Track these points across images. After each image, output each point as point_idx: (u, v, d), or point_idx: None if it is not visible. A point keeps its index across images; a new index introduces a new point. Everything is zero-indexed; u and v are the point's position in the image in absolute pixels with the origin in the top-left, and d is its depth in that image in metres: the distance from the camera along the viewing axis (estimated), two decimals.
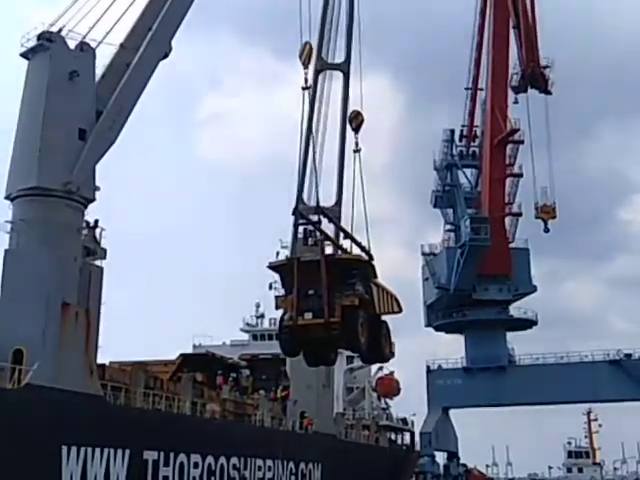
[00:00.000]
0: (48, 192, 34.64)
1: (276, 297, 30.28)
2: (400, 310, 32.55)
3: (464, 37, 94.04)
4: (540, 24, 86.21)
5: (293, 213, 29.63)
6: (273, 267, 30.26)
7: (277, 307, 30.28)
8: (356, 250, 31.65)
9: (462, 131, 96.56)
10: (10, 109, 36.68)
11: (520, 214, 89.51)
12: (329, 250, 30.79)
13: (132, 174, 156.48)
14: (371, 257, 31.38)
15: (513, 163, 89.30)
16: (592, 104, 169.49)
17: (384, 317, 32.31)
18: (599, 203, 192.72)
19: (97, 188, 36.74)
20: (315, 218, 30.31)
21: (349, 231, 31.92)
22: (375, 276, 31.05)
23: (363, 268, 30.00)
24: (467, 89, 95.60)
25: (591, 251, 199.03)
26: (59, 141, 35.08)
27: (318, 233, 30.26)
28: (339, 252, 30.75)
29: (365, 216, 32.09)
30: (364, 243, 31.70)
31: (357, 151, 33.13)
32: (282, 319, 29.93)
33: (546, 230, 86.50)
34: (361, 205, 31.88)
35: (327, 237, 30.21)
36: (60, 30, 36.42)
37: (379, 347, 31.81)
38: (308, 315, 28.46)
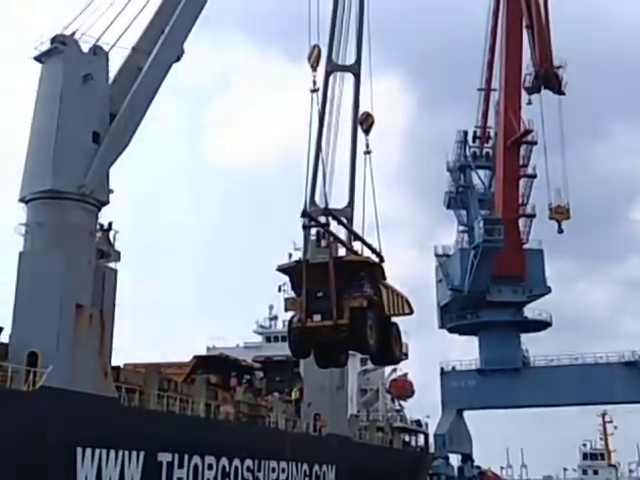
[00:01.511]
0: (62, 195, 34.76)
1: (285, 299, 30.38)
2: (411, 312, 32.52)
3: (477, 37, 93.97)
4: (553, 24, 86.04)
5: (302, 215, 29.67)
6: (282, 269, 30.34)
7: (286, 309, 30.41)
8: (367, 252, 31.65)
9: (475, 132, 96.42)
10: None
11: (534, 215, 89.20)
12: (342, 252, 30.85)
13: (142, 175, 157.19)
14: (382, 259, 31.36)
15: (527, 164, 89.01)
16: (605, 104, 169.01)
17: (395, 319, 32.32)
18: (613, 203, 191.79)
19: (111, 191, 36.89)
20: (324, 220, 30.35)
21: (360, 233, 31.95)
22: (384, 278, 31.03)
23: (371, 270, 29.99)
24: (480, 90, 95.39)
25: (605, 252, 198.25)
26: (73, 144, 35.20)
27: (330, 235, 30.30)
28: (349, 254, 30.80)
29: (376, 218, 32.11)
30: (377, 244, 31.68)
31: (368, 153, 33.16)
32: (291, 321, 30.04)
33: (560, 231, 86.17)
34: (372, 207, 31.88)
35: (336, 239, 30.25)
36: (73, 33, 36.56)
37: (389, 349, 31.79)
38: (317, 317, 28.53)
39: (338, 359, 33.10)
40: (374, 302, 29.36)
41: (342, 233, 31.89)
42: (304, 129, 31.66)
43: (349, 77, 34.22)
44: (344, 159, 33.26)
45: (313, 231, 30.75)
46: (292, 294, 29.94)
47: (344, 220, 31.80)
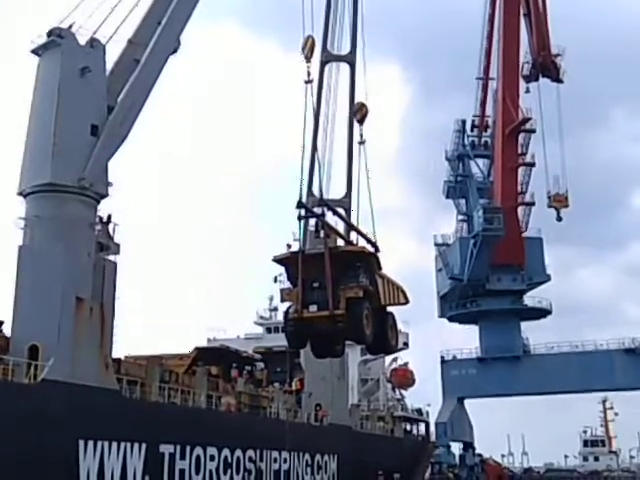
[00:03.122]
0: (62, 188, 34.79)
1: (281, 290, 30.45)
2: (406, 301, 32.63)
3: (474, 26, 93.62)
4: (551, 12, 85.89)
5: (297, 206, 29.66)
6: (278, 260, 30.37)
7: (283, 300, 30.54)
8: (363, 242, 31.71)
9: (474, 121, 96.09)
10: None
11: (533, 203, 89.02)
12: (341, 243, 30.90)
13: (143, 167, 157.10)
14: (377, 249, 31.40)
15: (525, 152, 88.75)
16: (604, 91, 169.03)
17: (392, 308, 32.40)
18: (612, 190, 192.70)
19: (110, 184, 36.89)
20: (319, 211, 30.38)
21: (356, 222, 32.00)
22: (380, 268, 31.09)
23: (367, 260, 30.04)
24: (478, 79, 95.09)
25: (605, 239, 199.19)
26: (72, 138, 35.19)
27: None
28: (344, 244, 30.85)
29: (371, 208, 32.21)
30: (376, 234, 31.73)
31: (362, 143, 33.16)
32: (287, 312, 30.13)
33: (559, 219, 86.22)
34: (371, 197, 31.96)
35: (331, 229, 30.29)
36: (70, 26, 36.50)
37: (385, 338, 31.93)
38: (313, 307, 28.63)
39: (334, 349, 33.23)
40: (370, 292, 29.44)
41: (341, 224, 31.97)
42: (300, 120, 31.66)
43: (344, 67, 34.19)
44: (340, 150, 33.28)
45: (312, 222, 30.81)
46: (288, 285, 30.01)
47: (341, 210, 31.89)
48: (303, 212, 29.79)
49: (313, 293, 28.61)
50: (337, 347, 33.10)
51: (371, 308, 29.56)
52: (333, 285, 28.10)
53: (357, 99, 33.70)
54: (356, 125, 33.44)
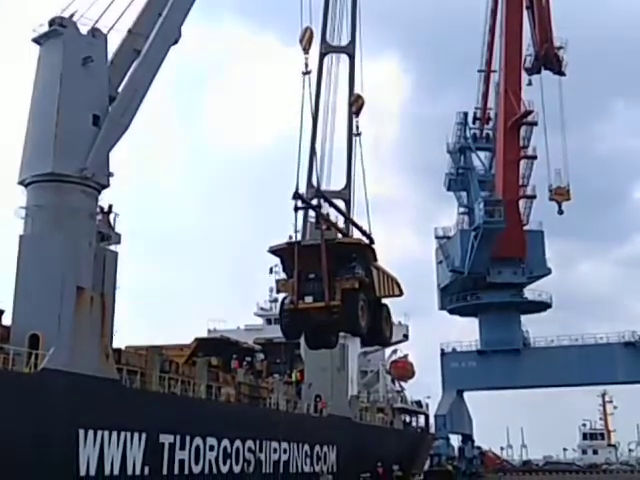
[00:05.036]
0: (63, 178, 34.75)
1: (277, 281, 30.54)
2: (401, 293, 32.74)
3: (477, 19, 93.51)
4: (553, 4, 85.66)
5: (293, 197, 29.68)
6: (274, 251, 30.43)
7: (278, 291, 30.67)
8: (358, 234, 31.80)
9: (475, 113, 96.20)
10: None
11: (534, 196, 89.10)
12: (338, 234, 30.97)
13: (143, 159, 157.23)
14: (372, 241, 31.49)
15: (527, 145, 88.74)
16: (606, 84, 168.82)
17: (387, 300, 32.49)
18: (614, 183, 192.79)
19: (111, 174, 36.90)
20: (315, 202, 30.42)
21: (353, 214, 32.06)
22: (375, 259, 31.22)
23: (363, 252, 30.14)
24: (480, 71, 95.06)
25: (606, 232, 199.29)
26: (74, 127, 35.12)
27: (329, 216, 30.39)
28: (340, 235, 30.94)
29: (366, 200, 32.30)
30: (373, 226, 31.81)
31: (358, 135, 33.17)
32: (283, 303, 30.20)
33: (560, 212, 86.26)
34: (370, 188, 32.05)
35: (327, 221, 30.34)
36: (72, 15, 36.43)
37: (380, 330, 32.05)
38: (309, 299, 28.71)
39: (329, 340, 33.32)
40: (366, 284, 29.52)
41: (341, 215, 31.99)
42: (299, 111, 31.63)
43: (343, 59, 34.10)
44: (338, 141, 33.28)
45: (312, 213, 30.87)
46: (283, 276, 30.11)
47: (341, 202, 31.97)
48: (300, 203, 29.81)
49: (309, 284, 28.67)
50: (331, 338, 33.20)
51: (367, 300, 29.65)
52: (329, 276, 28.16)
53: (356, 91, 33.61)
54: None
